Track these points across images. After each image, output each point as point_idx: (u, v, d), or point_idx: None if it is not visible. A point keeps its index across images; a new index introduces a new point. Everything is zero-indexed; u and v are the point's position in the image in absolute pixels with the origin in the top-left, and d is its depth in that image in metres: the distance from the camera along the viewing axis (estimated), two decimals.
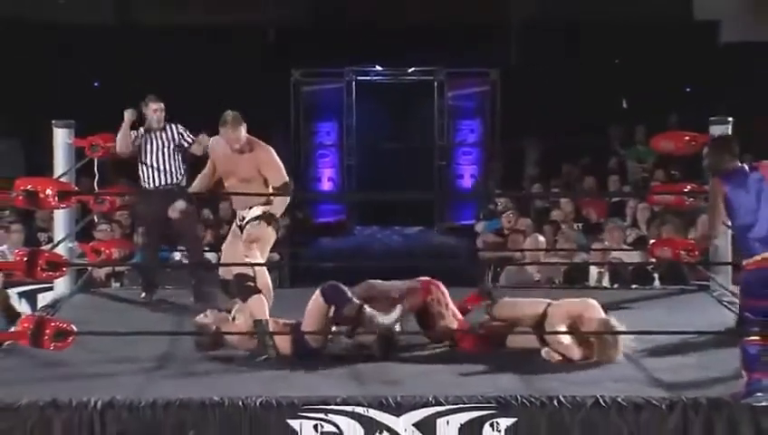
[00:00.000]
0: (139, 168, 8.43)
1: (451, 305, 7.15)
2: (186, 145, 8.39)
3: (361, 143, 15.14)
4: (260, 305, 7.00)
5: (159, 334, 6.91)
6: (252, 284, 7.01)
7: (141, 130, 8.44)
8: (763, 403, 6.00)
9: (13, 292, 8.85)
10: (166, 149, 8.40)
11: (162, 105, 8.42)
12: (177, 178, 8.40)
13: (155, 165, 8.38)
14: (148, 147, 8.40)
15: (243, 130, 7.25)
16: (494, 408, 5.95)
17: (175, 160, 8.40)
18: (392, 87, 15.12)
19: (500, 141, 15.21)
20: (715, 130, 8.26)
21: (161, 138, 8.43)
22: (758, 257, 6.11)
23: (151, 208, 8.44)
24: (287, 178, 7.33)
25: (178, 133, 8.44)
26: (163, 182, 8.37)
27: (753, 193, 6.16)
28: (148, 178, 8.40)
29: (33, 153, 12.85)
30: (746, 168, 6.24)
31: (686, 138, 8.19)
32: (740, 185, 6.18)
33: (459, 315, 7.19)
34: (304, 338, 6.82)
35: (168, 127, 8.45)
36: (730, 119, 8.34)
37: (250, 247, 7.16)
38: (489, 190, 14.19)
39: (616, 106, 15.18)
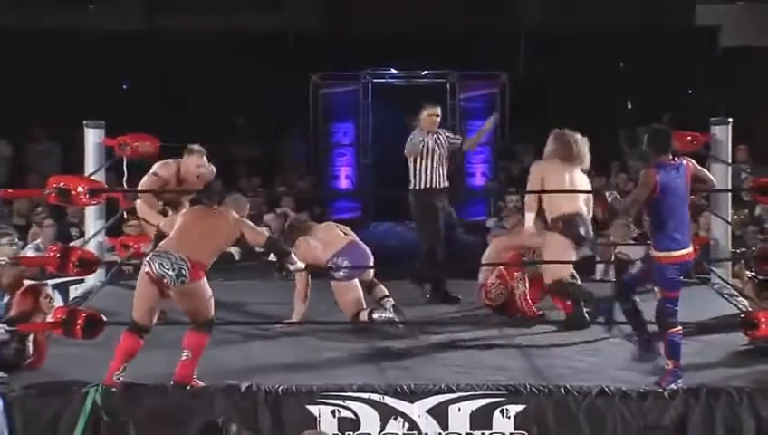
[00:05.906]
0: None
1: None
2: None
3: (377, 143, 15.32)
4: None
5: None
6: None
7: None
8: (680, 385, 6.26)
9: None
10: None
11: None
12: None
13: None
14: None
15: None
16: (504, 395, 6.15)
17: None
18: (406, 89, 15.23)
19: (509, 141, 15.40)
20: (716, 131, 8.52)
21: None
22: (674, 253, 6.31)
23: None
24: None
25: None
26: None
27: (680, 188, 6.35)
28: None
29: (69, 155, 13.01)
30: (677, 162, 6.39)
31: (688, 137, 8.44)
32: (670, 177, 6.33)
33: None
34: None
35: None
36: (730, 119, 8.55)
37: None
38: (498, 188, 14.34)
39: (621, 107, 15.38)
